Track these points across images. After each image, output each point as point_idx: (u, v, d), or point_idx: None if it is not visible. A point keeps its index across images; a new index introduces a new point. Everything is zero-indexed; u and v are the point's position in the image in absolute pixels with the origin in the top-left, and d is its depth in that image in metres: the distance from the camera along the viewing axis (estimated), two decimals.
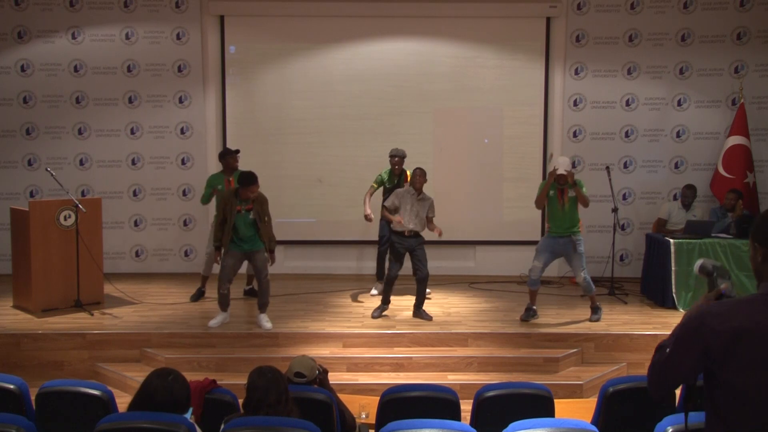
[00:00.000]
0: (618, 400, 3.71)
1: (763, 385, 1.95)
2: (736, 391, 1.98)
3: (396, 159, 7.38)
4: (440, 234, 6.76)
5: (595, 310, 6.80)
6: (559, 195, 6.51)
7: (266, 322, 6.45)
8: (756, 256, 2.07)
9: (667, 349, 2.08)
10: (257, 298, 6.62)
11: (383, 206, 6.93)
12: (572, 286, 8.16)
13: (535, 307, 6.79)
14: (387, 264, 7.20)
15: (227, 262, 6.36)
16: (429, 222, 6.85)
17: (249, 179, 6.19)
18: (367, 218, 7.34)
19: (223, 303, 6.50)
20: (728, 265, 6.97)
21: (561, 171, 6.37)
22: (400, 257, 6.78)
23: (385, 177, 7.48)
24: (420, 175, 6.73)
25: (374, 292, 7.70)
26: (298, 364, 3.97)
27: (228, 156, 7.24)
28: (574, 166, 8.56)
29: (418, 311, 6.85)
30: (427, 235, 7.00)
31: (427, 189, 7.28)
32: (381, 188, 7.52)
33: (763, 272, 2.04)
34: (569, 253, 6.60)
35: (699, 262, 2.32)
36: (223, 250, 6.35)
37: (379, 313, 6.80)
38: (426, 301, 7.10)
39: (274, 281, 7.41)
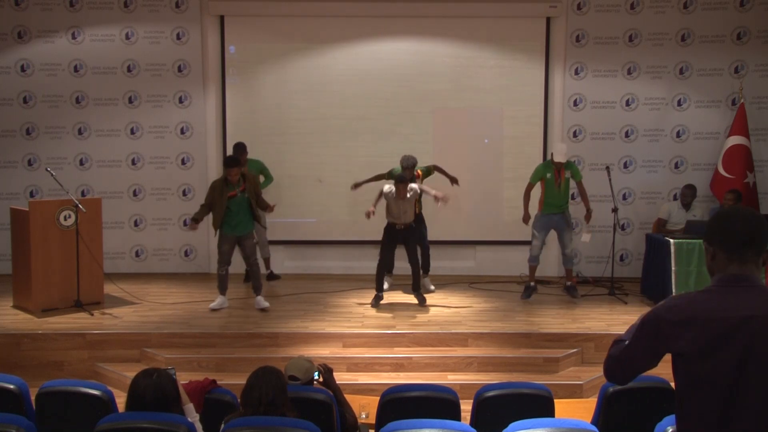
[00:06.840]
0: (618, 400, 3.71)
1: (718, 368, 2.11)
2: (697, 379, 2.14)
3: (406, 171, 7.23)
4: (440, 199, 6.99)
5: (574, 288, 7.53)
6: (556, 176, 7.32)
7: (264, 302, 6.99)
8: (707, 255, 2.28)
9: (626, 341, 2.27)
10: (251, 282, 7.15)
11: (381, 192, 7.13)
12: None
13: (533, 284, 7.52)
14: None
15: (224, 248, 6.87)
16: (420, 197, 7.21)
17: (231, 162, 6.66)
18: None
19: (222, 285, 6.98)
20: None
21: (558, 159, 7.28)
22: (392, 245, 7.11)
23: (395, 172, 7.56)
24: (403, 189, 6.90)
25: (385, 286, 7.61)
26: (292, 366, 3.95)
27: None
28: (579, 164, 8.59)
29: (415, 292, 7.24)
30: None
31: None
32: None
33: (712, 268, 2.25)
34: (562, 228, 7.47)
35: None
36: (218, 234, 6.85)
37: (376, 302, 7.04)
38: (428, 296, 7.41)
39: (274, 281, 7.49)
